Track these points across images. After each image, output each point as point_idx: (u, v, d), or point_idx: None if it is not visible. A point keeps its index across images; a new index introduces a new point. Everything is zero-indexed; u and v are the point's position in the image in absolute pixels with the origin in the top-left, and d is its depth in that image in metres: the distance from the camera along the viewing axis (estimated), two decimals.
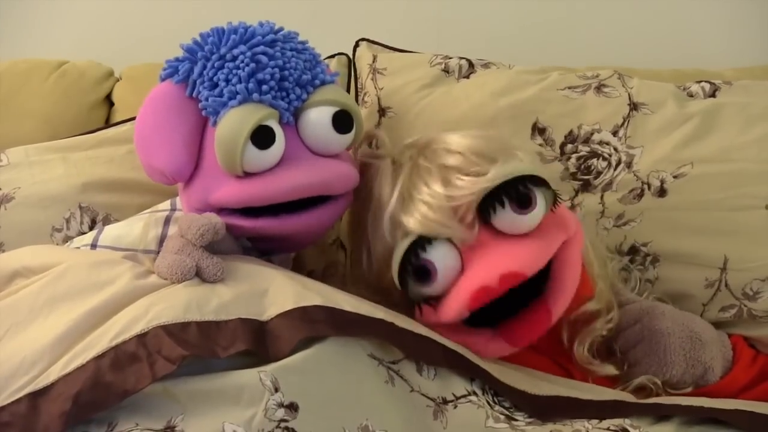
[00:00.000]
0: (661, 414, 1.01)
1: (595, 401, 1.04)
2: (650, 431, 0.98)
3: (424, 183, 1.09)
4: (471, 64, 1.42)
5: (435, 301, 1.09)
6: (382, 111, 1.40)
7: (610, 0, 1.74)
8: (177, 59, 1.18)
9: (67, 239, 1.28)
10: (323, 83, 1.19)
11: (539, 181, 1.07)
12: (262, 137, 1.10)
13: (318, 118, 1.16)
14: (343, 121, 1.17)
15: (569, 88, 1.37)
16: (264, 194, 1.11)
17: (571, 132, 1.33)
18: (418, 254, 1.06)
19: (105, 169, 1.37)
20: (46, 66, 1.58)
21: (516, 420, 0.99)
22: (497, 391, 1.02)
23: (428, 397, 0.98)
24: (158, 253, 1.09)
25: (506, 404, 1.01)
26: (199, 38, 1.17)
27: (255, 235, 1.16)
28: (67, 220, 1.31)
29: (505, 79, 1.39)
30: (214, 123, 1.13)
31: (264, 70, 1.13)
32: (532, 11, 1.74)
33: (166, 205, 1.25)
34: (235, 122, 1.10)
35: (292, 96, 1.15)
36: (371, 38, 1.51)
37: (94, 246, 1.20)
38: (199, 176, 1.15)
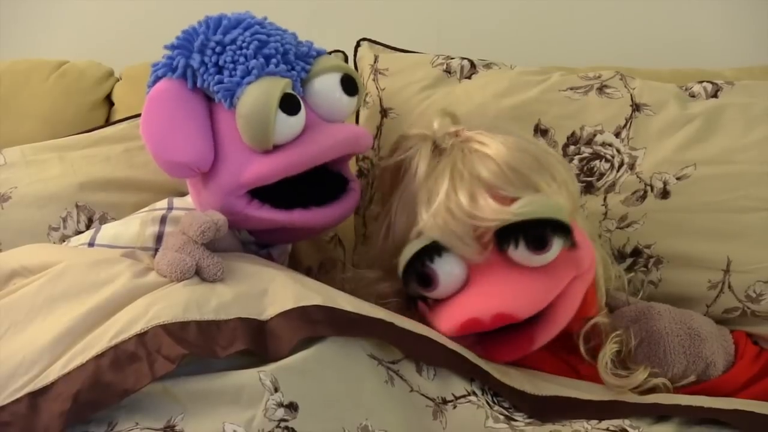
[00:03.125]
0: (661, 414, 1.01)
1: (594, 401, 1.04)
2: (649, 431, 0.98)
3: (452, 185, 1.08)
4: (473, 65, 1.42)
5: (432, 300, 1.10)
6: (384, 112, 1.40)
7: (610, 0, 1.73)
8: (168, 57, 1.18)
9: (64, 238, 1.28)
10: (319, 54, 1.21)
11: (559, 227, 1.06)
12: (290, 104, 1.12)
13: (327, 84, 1.18)
14: (350, 84, 1.19)
15: (571, 89, 1.36)
16: (301, 159, 1.12)
17: (573, 133, 1.33)
18: (425, 261, 1.07)
19: (102, 167, 1.36)
20: (46, 66, 1.58)
21: (515, 420, 0.99)
22: (497, 391, 1.02)
23: (428, 397, 0.98)
24: (156, 250, 1.09)
25: (506, 404, 1.01)
26: (183, 34, 1.18)
27: (286, 228, 1.16)
28: (64, 219, 1.31)
29: (506, 80, 1.39)
30: (231, 105, 1.13)
31: (267, 45, 1.15)
32: (533, 11, 1.73)
33: (163, 203, 1.25)
34: (261, 94, 1.11)
35: (298, 68, 1.17)
36: (371, 38, 1.50)
37: (91, 245, 1.20)
38: (222, 162, 1.15)
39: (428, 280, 1.08)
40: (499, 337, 1.07)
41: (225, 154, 1.15)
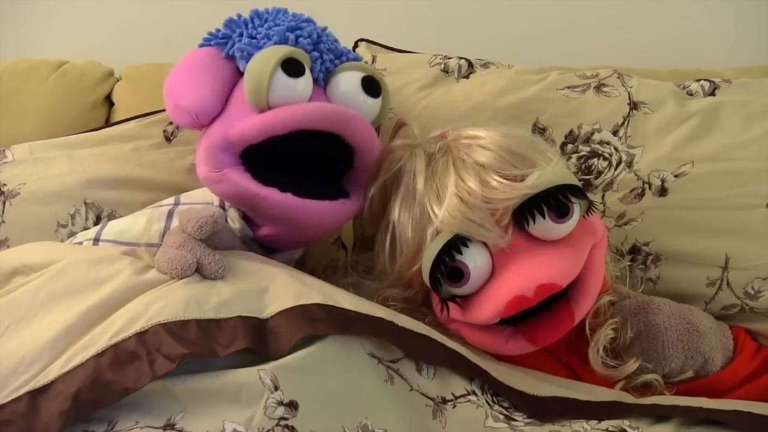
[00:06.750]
0: (660, 414, 1.01)
1: (593, 402, 1.04)
2: None
3: (458, 176, 1.08)
4: (470, 64, 1.42)
5: (461, 298, 1.09)
6: None
7: (610, 0, 1.73)
8: (217, 29, 1.22)
9: (72, 235, 1.28)
10: (356, 59, 1.24)
11: (578, 191, 1.08)
12: (292, 66, 1.14)
13: (347, 80, 1.20)
14: (371, 85, 1.21)
15: (569, 87, 1.37)
16: (284, 119, 1.11)
17: (571, 132, 1.33)
18: (452, 255, 1.06)
19: (110, 166, 1.36)
20: (46, 66, 1.58)
21: (515, 420, 0.99)
22: (496, 390, 1.02)
23: (427, 397, 0.97)
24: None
25: (505, 404, 1.01)
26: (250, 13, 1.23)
27: (255, 205, 1.15)
28: (72, 217, 1.30)
29: (504, 79, 1.39)
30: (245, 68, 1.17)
31: (303, 29, 1.19)
32: (532, 11, 1.73)
33: (170, 200, 1.25)
34: (266, 52, 1.15)
35: (326, 57, 1.20)
36: (370, 38, 1.51)
37: (97, 240, 1.20)
38: (222, 116, 1.17)
39: (459, 274, 1.07)
40: (538, 321, 1.07)
41: (229, 109, 1.17)
